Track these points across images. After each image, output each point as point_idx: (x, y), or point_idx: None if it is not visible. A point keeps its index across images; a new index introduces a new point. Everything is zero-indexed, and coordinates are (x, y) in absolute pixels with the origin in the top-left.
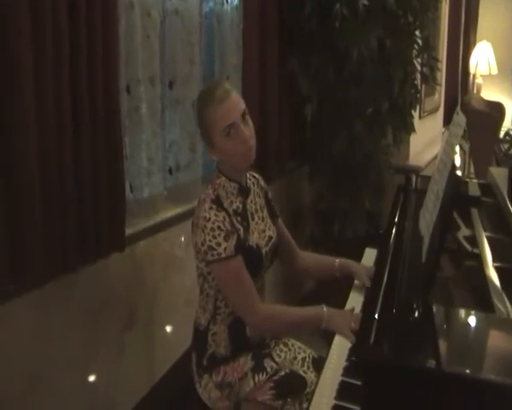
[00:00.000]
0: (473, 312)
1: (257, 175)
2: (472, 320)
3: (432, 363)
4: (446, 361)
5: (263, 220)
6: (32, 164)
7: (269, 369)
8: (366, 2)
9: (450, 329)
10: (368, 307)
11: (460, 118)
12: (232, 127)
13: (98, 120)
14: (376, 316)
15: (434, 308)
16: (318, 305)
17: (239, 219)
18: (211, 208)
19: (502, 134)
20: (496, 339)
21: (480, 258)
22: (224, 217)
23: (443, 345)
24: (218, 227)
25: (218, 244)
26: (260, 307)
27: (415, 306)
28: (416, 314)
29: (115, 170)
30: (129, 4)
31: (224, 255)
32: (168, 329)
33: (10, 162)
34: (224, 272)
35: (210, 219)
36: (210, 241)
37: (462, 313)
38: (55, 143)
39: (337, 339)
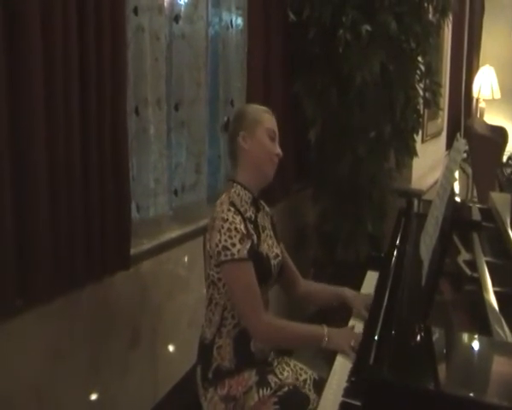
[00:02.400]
0: (471, 335)
1: (262, 202)
2: (470, 343)
3: (430, 384)
4: (444, 382)
5: (270, 238)
6: (41, 182)
7: (273, 384)
8: (369, 28)
9: (449, 351)
10: (368, 329)
11: (460, 144)
12: (274, 134)
13: (105, 141)
14: (376, 337)
15: (433, 331)
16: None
17: (252, 226)
18: (229, 210)
19: (505, 159)
20: (493, 362)
21: (479, 282)
22: (240, 220)
23: (441, 366)
24: (235, 228)
25: (233, 245)
26: (264, 316)
27: (414, 328)
28: (416, 336)
29: (121, 190)
30: (139, 28)
31: (236, 256)
32: (171, 348)
33: (20, 181)
34: (234, 273)
35: (228, 219)
36: (225, 241)
37: (461, 335)
38: (63, 162)
39: (338, 360)
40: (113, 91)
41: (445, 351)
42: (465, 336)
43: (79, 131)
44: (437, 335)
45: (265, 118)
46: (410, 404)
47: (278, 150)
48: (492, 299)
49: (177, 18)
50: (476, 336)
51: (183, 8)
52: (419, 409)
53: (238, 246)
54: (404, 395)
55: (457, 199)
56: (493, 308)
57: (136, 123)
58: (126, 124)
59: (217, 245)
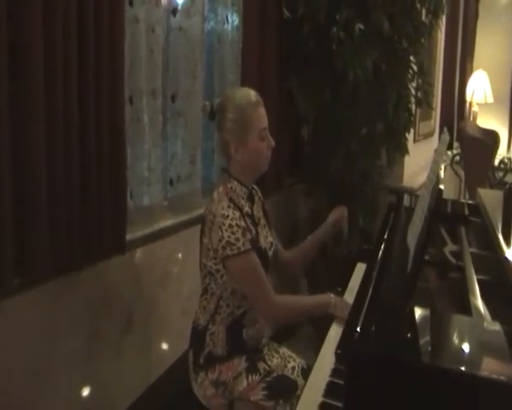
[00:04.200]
0: (452, 315)
1: (255, 187)
2: (451, 322)
3: (412, 356)
4: (425, 355)
5: (265, 227)
6: (41, 167)
7: (262, 370)
8: (362, 27)
9: (431, 327)
10: (354, 309)
11: (445, 137)
12: (265, 131)
13: (103, 130)
14: (362, 316)
15: (416, 310)
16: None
17: (250, 221)
18: (229, 207)
19: (496, 162)
20: (471, 337)
21: (463, 270)
22: (239, 216)
23: (423, 341)
24: (236, 224)
25: (237, 239)
26: (275, 297)
27: (398, 307)
28: (399, 314)
29: (118, 177)
30: (134, 19)
31: (242, 249)
32: (165, 334)
33: (20, 166)
34: (242, 265)
35: (228, 216)
36: (229, 237)
37: (442, 315)
38: (62, 150)
39: (325, 346)
40: (111, 80)
41: (426, 327)
42: (446, 316)
43: (78, 119)
44: (419, 314)
45: (254, 117)
46: (393, 375)
47: (271, 143)
48: (475, 286)
49: (174, 11)
50: (456, 316)
51: (180, 2)
52: (401, 381)
53: (242, 239)
54: (387, 368)
55: (441, 186)
56: (474, 293)
57: (131, 112)
58: (124, 113)
59: (220, 241)
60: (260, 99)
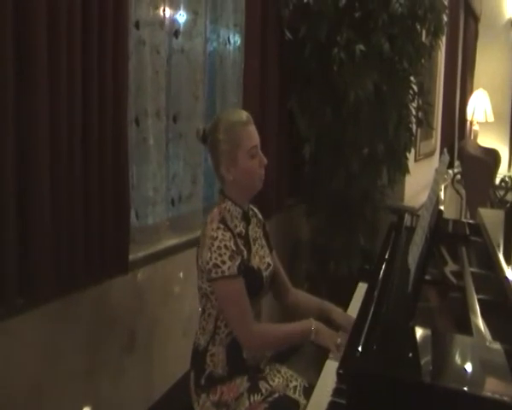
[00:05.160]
0: (453, 334)
1: (255, 209)
2: (451, 341)
3: (413, 375)
4: (426, 374)
5: (262, 248)
6: (44, 188)
7: (264, 390)
8: (363, 48)
9: (432, 347)
10: (355, 327)
11: (445, 157)
12: (255, 149)
13: (107, 151)
14: (363, 334)
15: (417, 330)
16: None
17: (242, 241)
18: (218, 228)
19: (498, 181)
20: (470, 357)
21: (464, 290)
22: (230, 237)
23: (424, 360)
24: (225, 246)
25: (223, 262)
26: (254, 328)
27: (400, 326)
28: (401, 334)
29: (121, 197)
30: (140, 42)
31: (227, 273)
32: (166, 354)
33: (23, 185)
34: (225, 289)
35: (217, 237)
36: (216, 258)
37: (443, 334)
38: (66, 168)
39: (327, 365)
40: (115, 102)
41: (426, 346)
42: (447, 336)
43: (81, 139)
44: (420, 333)
45: (244, 135)
46: (394, 395)
47: (263, 161)
48: (475, 306)
49: (176, 33)
50: (457, 336)
51: (182, 24)
52: (402, 400)
53: (228, 263)
54: (388, 387)
55: (441, 207)
56: (476, 314)
57: (137, 133)
58: (127, 134)
59: (208, 263)
60: (251, 119)
